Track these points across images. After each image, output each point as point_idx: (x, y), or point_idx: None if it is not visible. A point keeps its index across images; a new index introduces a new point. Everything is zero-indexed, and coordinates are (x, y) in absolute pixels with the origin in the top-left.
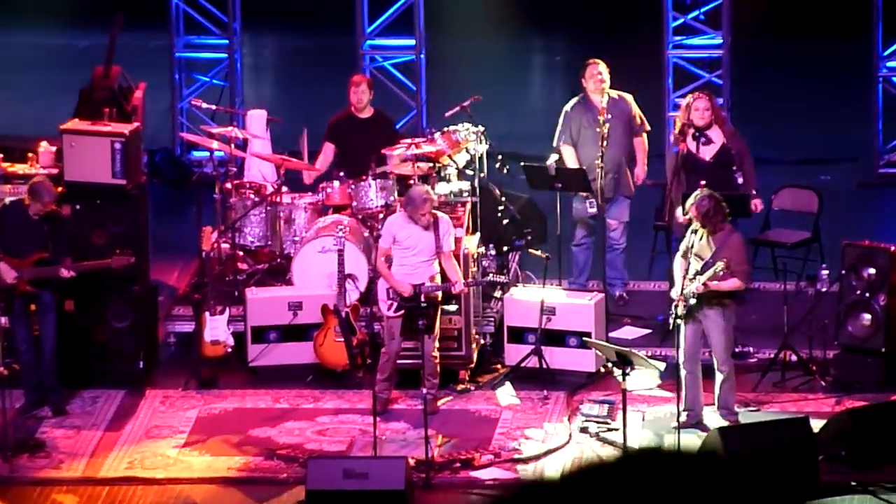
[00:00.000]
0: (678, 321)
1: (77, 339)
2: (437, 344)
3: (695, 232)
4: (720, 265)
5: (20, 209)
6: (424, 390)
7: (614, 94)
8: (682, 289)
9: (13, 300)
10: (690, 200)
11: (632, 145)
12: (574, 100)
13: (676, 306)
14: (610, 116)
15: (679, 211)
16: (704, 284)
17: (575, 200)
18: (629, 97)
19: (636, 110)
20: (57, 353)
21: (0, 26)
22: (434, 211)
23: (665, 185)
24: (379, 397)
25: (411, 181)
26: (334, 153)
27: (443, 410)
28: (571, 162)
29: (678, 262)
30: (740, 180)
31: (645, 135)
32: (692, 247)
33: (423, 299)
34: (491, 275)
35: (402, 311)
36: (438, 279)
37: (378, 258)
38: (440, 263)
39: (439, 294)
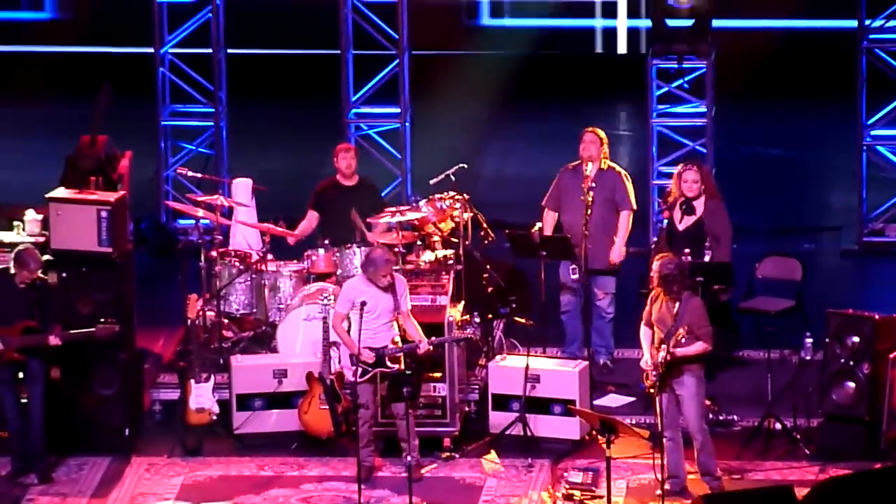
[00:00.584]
0: (651, 391)
1: (63, 407)
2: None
3: (655, 300)
4: (681, 332)
5: (6, 278)
6: (409, 458)
7: (607, 165)
8: (651, 358)
9: (1, 368)
10: (655, 263)
11: (613, 219)
12: (569, 164)
13: (646, 377)
14: (594, 185)
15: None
16: (670, 353)
17: (561, 267)
18: (622, 173)
19: (626, 187)
20: (44, 420)
21: None
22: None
23: (649, 252)
24: (363, 465)
25: (396, 249)
26: (318, 221)
27: (428, 478)
28: (548, 226)
29: (644, 332)
30: (707, 258)
31: (629, 213)
32: (653, 314)
33: (387, 362)
34: (455, 332)
35: (368, 376)
36: (399, 339)
37: (337, 323)
38: (401, 325)
39: (402, 356)
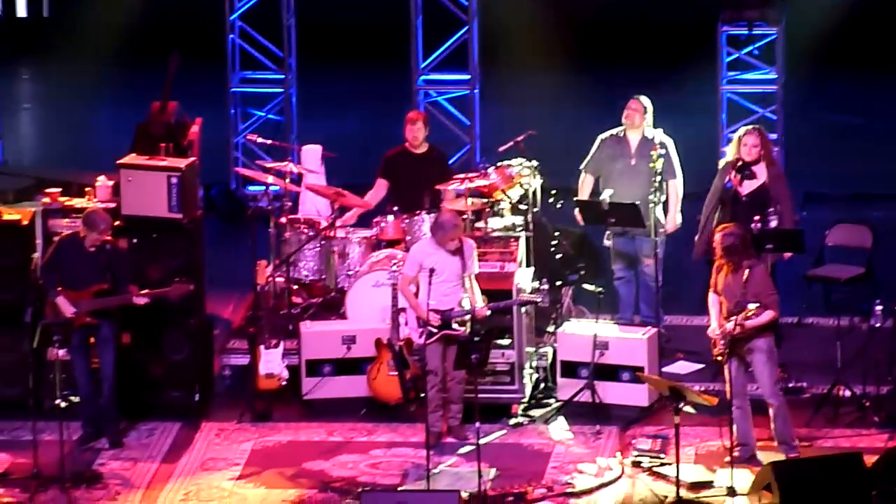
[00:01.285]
0: (719, 358)
1: (133, 372)
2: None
3: (720, 269)
4: (752, 307)
5: (76, 242)
6: (477, 424)
7: (652, 133)
8: (719, 327)
9: (72, 333)
10: (717, 234)
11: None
12: (612, 131)
13: (714, 345)
14: (664, 151)
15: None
16: (740, 325)
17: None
18: (667, 141)
19: (670, 155)
20: (115, 385)
21: (59, 62)
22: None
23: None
24: (432, 430)
25: (465, 216)
26: (387, 189)
27: (496, 444)
28: (586, 190)
29: (712, 299)
30: (773, 223)
31: (678, 181)
32: (719, 283)
33: (453, 324)
34: (519, 295)
35: (435, 338)
36: (467, 303)
37: (405, 286)
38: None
39: (468, 318)
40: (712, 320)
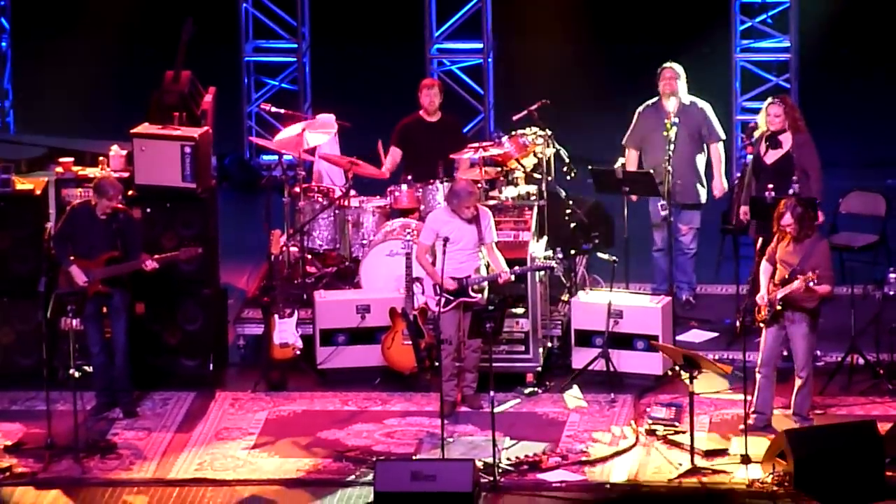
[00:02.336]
0: (760, 325)
1: (147, 342)
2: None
3: (782, 238)
4: (811, 275)
5: (87, 210)
6: (492, 393)
7: (689, 99)
8: (768, 293)
9: (85, 302)
10: (781, 208)
11: (699, 153)
12: (648, 102)
13: (759, 310)
14: (677, 121)
15: (743, 209)
16: (794, 291)
17: (651, 204)
18: (704, 106)
19: (710, 119)
20: (128, 354)
21: (72, 32)
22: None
23: (732, 188)
24: (446, 399)
25: (479, 185)
26: (401, 157)
27: (510, 413)
28: (631, 164)
29: (764, 267)
30: (792, 189)
31: (720, 144)
32: (777, 252)
33: (470, 292)
34: (537, 261)
35: (451, 306)
36: (484, 270)
37: (421, 255)
38: (485, 257)
39: (486, 285)
40: (762, 287)
